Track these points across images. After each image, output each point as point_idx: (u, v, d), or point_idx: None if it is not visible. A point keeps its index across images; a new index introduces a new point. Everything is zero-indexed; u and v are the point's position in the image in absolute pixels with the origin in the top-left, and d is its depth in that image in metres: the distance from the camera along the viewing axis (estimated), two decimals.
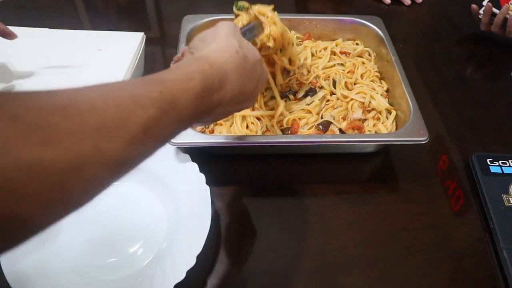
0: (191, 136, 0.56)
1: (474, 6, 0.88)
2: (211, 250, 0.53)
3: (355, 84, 0.71)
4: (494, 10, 0.84)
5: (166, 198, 0.55)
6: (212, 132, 0.62)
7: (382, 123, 0.65)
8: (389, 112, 0.66)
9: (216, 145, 0.56)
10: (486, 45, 0.89)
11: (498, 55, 0.88)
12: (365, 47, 0.78)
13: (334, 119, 0.65)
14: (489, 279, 0.53)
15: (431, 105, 0.75)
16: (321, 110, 0.66)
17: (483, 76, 0.85)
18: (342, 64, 0.73)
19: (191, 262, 0.46)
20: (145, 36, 0.70)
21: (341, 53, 0.76)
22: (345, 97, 0.68)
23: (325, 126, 0.63)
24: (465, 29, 0.95)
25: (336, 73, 0.70)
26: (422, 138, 0.57)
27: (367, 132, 0.63)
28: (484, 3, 0.86)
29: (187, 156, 0.57)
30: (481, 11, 0.87)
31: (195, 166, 0.56)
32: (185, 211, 0.52)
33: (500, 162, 0.64)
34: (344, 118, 0.65)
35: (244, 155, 0.64)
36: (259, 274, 0.52)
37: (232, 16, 0.59)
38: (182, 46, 0.68)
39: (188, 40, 0.70)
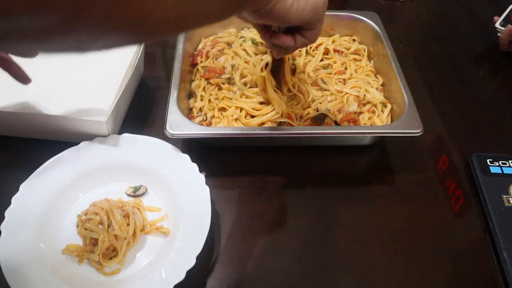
0: (189, 127, 0.56)
1: (496, 18, 0.83)
2: (211, 250, 0.53)
3: (349, 79, 0.71)
4: None
5: (166, 198, 0.56)
6: (209, 125, 0.63)
7: (377, 116, 0.65)
8: (385, 105, 0.66)
9: (213, 136, 0.57)
10: (486, 44, 0.89)
11: (498, 54, 0.87)
12: (362, 42, 0.78)
13: (329, 112, 0.65)
14: (489, 279, 0.53)
15: (431, 105, 0.75)
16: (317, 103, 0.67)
17: (483, 75, 0.85)
18: (330, 65, 0.73)
19: (191, 262, 0.46)
20: None
21: (335, 51, 0.76)
22: (340, 91, 0.68)
23: (320, 119, 0.64)
24: (464, 29, 0.95)
25: (324, 76, 0.71)
26: (417, 130, 0.57)
27: (363, 125, 0.64)
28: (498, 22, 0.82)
29: (187, 157, 0.57)
30: (497, 25, 0.82)
31: (194, 166, 0.56)
32: (185, 211, 0.52)
33: (500, 162, 0.64)
34: (339, 111, 0.65)
35: (244, 154, 0.64)
36: (259, 274, 0.52)
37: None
38: (182, 46, 0.68)
39: (188, 40, 0.70)
